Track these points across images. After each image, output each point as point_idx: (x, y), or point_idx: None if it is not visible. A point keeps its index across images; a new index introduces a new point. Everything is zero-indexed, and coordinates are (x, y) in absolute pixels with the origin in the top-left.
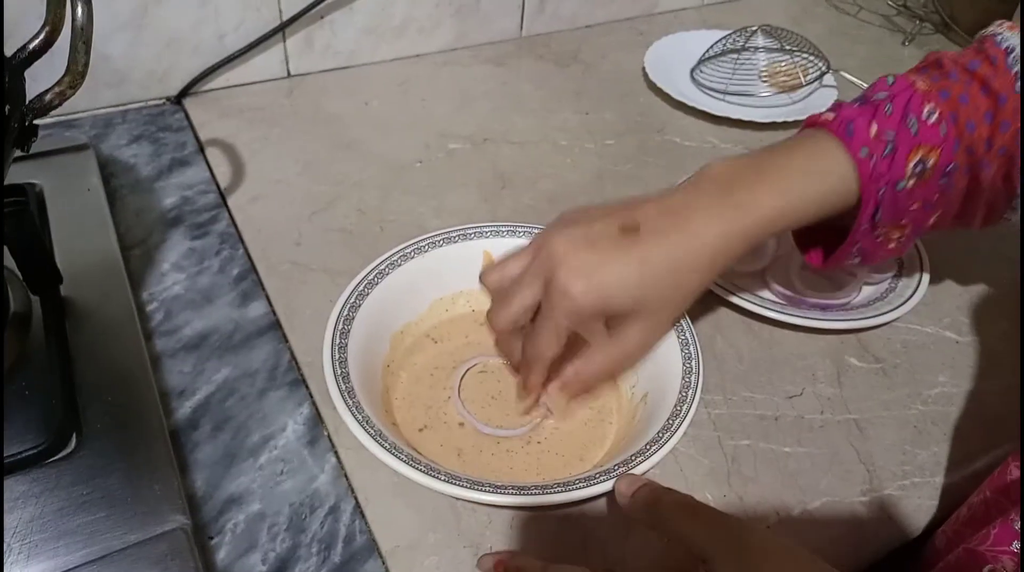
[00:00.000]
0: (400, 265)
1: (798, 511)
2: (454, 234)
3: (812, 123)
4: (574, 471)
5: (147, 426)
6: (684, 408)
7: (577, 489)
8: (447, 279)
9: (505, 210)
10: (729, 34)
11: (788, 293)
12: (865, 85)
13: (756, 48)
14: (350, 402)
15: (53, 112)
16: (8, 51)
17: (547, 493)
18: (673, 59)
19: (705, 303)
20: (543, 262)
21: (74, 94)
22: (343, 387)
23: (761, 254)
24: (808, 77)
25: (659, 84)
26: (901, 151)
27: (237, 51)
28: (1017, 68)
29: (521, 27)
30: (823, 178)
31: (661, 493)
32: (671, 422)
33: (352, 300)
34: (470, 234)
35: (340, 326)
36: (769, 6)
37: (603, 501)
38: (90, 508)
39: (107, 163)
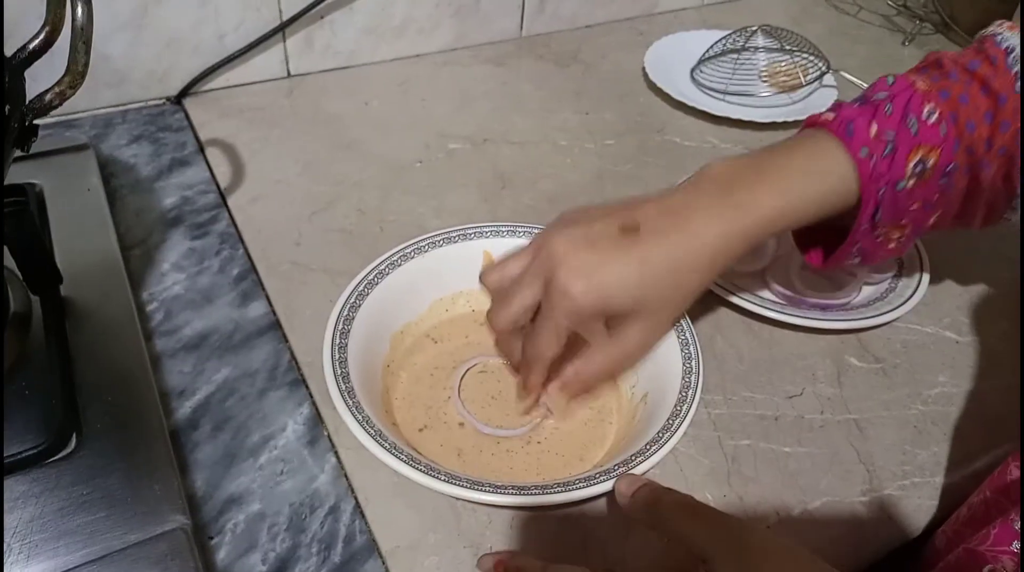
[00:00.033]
0: (400, 265)
1: (798, 511)
2: (454, 234)
3: (812, 123)
4: (574, 471)
5: (147, 426)
6: (684, 408)
7: (577, 489)
8: (447, 279)
9: (505, 210)
10: (729, 34)
11: (788, 293)
12: (865, 85)
13: (756, 48)
14: (350, 402)
15: (53, 112)
16: (8, 51)
17: (547, 493)
18: (673, 59)
19: (705, 303)
20: (543, 262)
21: (74, 94)
22: (343, 387)
23: (761, 254)
24: (808, 77)
25: (659, 84)
26: (901, 151)
27: (237, 51)
28: (1017, 68)
29: (521, 27)
30: (823, 178)
31: (661, 493)
32: (671, 422)
33: (352, 300)
34: (470, 234)
35: (340, 326)
36: (769, 6)
37: (603, 501)
38: (90, 508)
39: (107, 163)
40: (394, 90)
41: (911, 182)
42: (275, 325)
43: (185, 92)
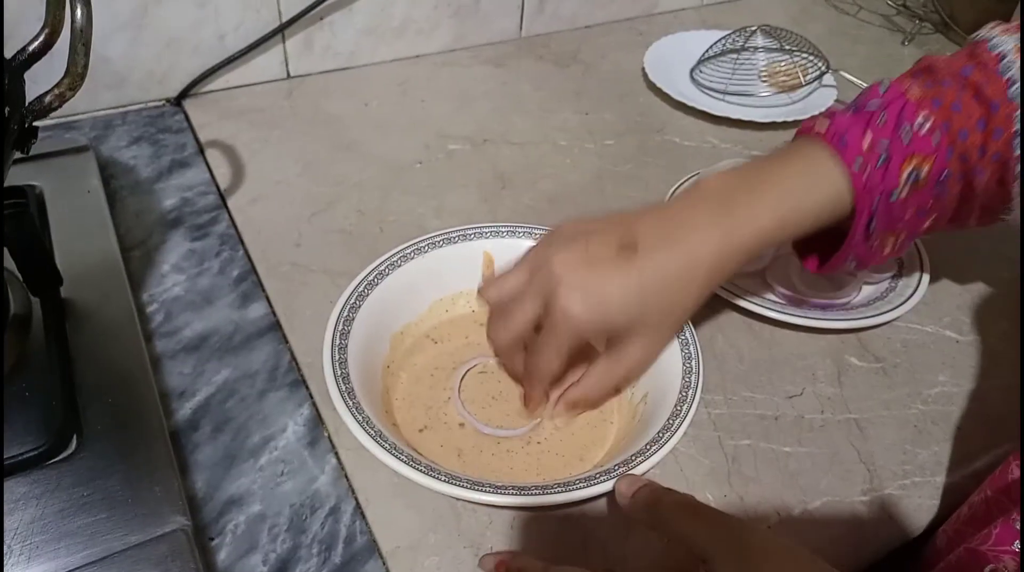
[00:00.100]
0: (400, 266)
1: (798, 511)
2: (454, 235)
3: (805, 131)
4: (574, 471)
5: (147, 427)
6: (684, 408)
7: (577, 489)
8: (447, 280)
9: (505, 210)
10: (729, 34)
11: (788, 293)
12: (865, 85)
13: (756, 48)
14: (350, 403)
15: (53, 114)
16: (8, 53)
17: (547, 493)
18: (673, 59)
19: (705, 303)
20: (542, 281)
21: (74, 96)
22: (343, 388)
23: (761, 254)
24: (808, 77)
25: (659, 84)
26: (895, 161)
27: (237, 52)
28: (1009, 74)
29: (520, 27)
30: (817, 191)
31: (661, 493)
32: (671, 422)
33: (352, 301)
34: (470, 235)
35: (340, 327)
36: (769, 6)
37: (603, 501)
38: (91, 509)
39: (107, 165)
40: (394, 91)
41: (905, 191)
42: (275, 326)
43: (185, 93)
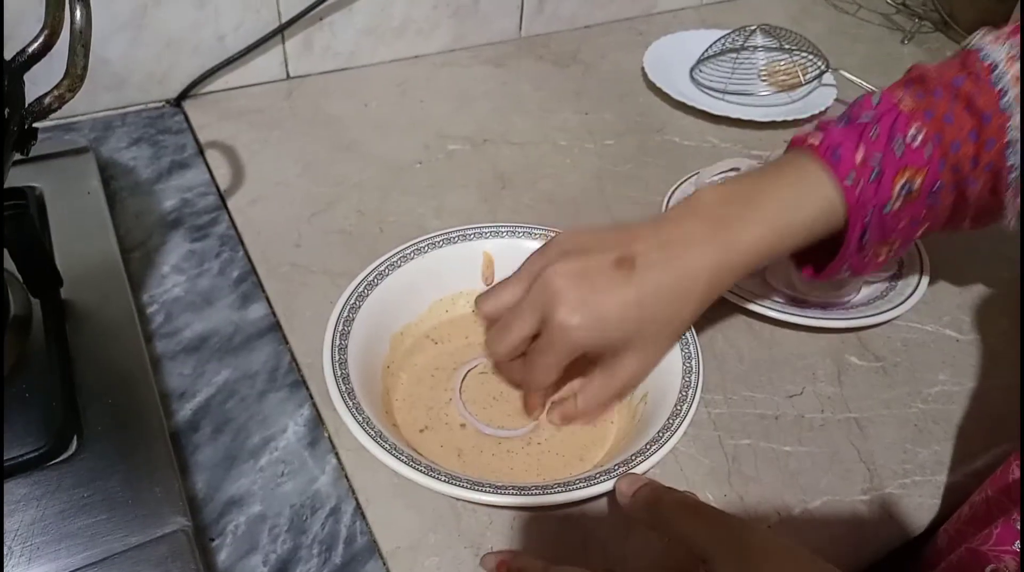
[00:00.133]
0: (400, 266)
1: (799, 510)
2: (454, 235)
3: (798, 144)
4: (574, 471)
5: (148, 428)
6: (684, 408)
7: (577, 489)
8: (447, 280)
9: (505, 210)
10: (728, 33)
11: (788, 292)
12: (865, 84)
13: (755, 47)
14: (350, 403)
15: (52, 115)
16: (7, 54)
17: (547, 493)
18: (672, 59)
19: None
20: (539, 295)
21: (73, 97)
22: (343, 388)
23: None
24: (807, 76)
25: (658, 84)
26: (887, 174)
27: (236, 53)
28: (1001, 85)
29: (520, 28)
30: (811, 206)
31: (662, 492)
32: (671, 422)
33: (352, 301)
34: (470, 235)
35: (340, 327)
36: (768, 5)
37: (604, 501)
38: (91, 510)
39: (107, 166)
40: (393, 91)
41: (898, 204)
42: (275, 327)
43: (184, 94)
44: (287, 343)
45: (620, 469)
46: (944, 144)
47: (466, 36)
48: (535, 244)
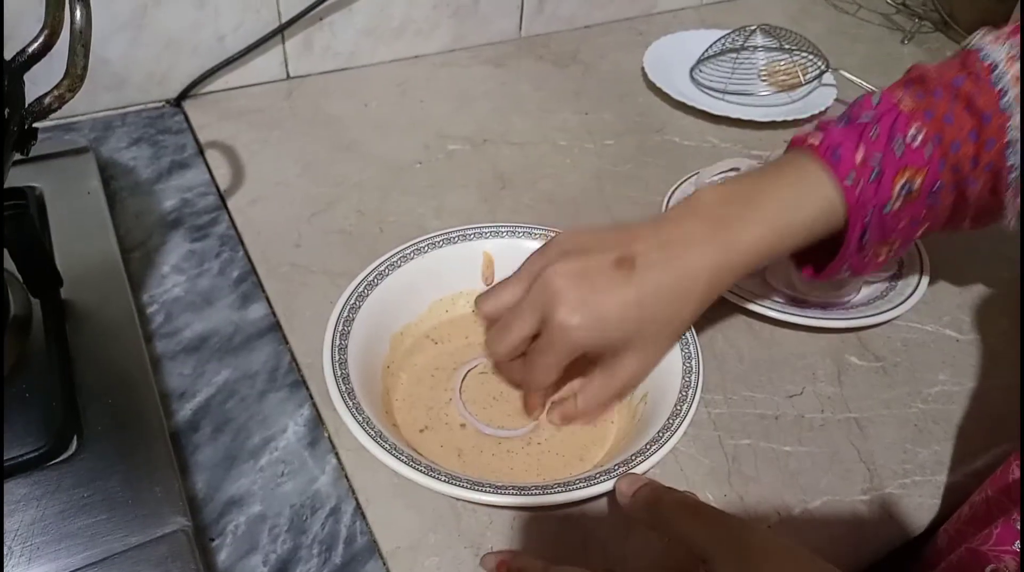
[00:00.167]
0: (400, 266)
1: (799, 510)
2: (454, 235)
3: (798, 144)
4: (574, 471)
5: (148, 428)
6: (684, 407)
7: (577, 489)
8: (447, 280)
9: (505, 210)
10: (728, 33)
11: (788, 292)
12: (865, 84)
13: (755, 47)
14: (350, 403)
15: (52, 115)
16: (7, 54)
17: (547, 493)
18: (672, 59)
19: None
20: (539, 295)
21: (73, 97)
22: (343, 388)
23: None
24: (807, 76)
25: (658, 84)
26: (887, 174)
27: (236, 53)
28: (1001, 85)
29: (520, 28)
30: (811, 206)
31: (662, 493)
32: (671, 421)
33: (352, 301)
34: (470, 235)
35: (340, 327)
36: (768, 5)
37: (603, 501)
38: (91, 510)
39: (107, 166)
40: (393, 91)
41: (898, 204)
42: (275, 327)
43: (184, 94)
44: (287, 343)
45: (620, 469)
46: (944, 144)
47: (466, 36)
48: (535, 244)
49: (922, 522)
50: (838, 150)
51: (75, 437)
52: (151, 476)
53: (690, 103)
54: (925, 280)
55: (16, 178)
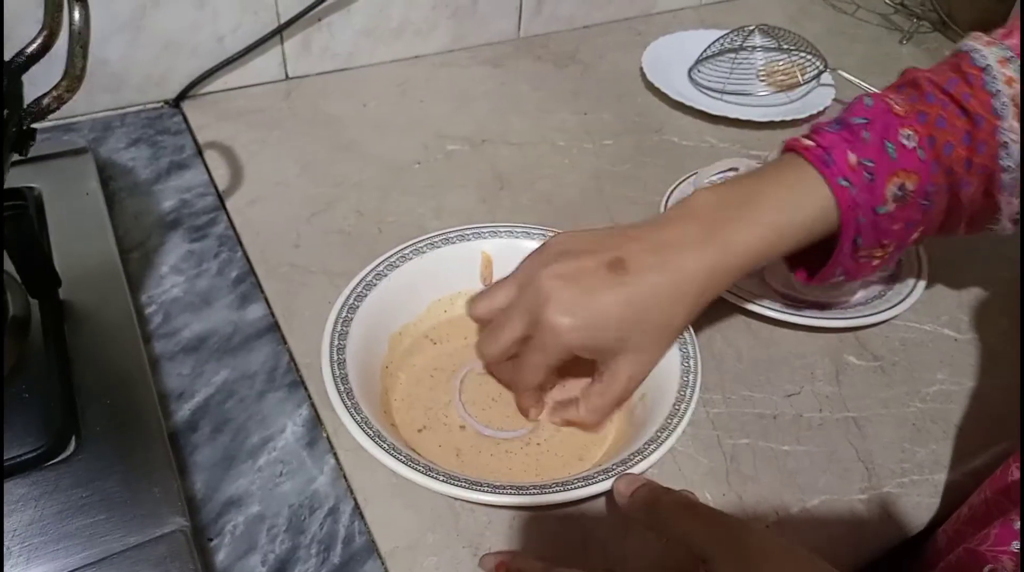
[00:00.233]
0: (398, 266)
1: (797, 509)
2: (452, 235)
3: (792, 148)
4: (573, 471)
5: (146, 428)
6: (683, 407)
7: (576, 488)
8: (445, 280)
9: (503, 211)
10: (726, 34)
11: (786, 292)
12: (863, 84)
13: (754, 47)
14: (349, 403)
15: (51, 116)
16: (6, 55)
17: (546, 493)
18: (671, 59)
19: None
20: (530, 297)
21: (72, 98)
22: (342, 388)
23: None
24: (806, 76)
25: (657, 84)
26: (880, 178)
27: (235, 54)
28: (993, 88)
29: (519, 28)
30: (805, 209)
31: (660, 493)
32: (670, 421)
33: (350, 301)
34: (468, 235)
35: (338, 328)
36: (766, 5)
37: (602, 501)
38: (89, 511)
39: (105, 166)
40: (392, 91)
41: (891, 207)
42: (274, 327)
43: (183, 95)
44: (286, 343)
45: (619, 469)
46: (937, 147)
47: (465, 37)
48: (533, 244)
49: (920, 521)
50: (830, 153)
51: (73, 437)
52: (149, 476)
53: (689, 103)
54: (923, 280)
55: (15, 179)
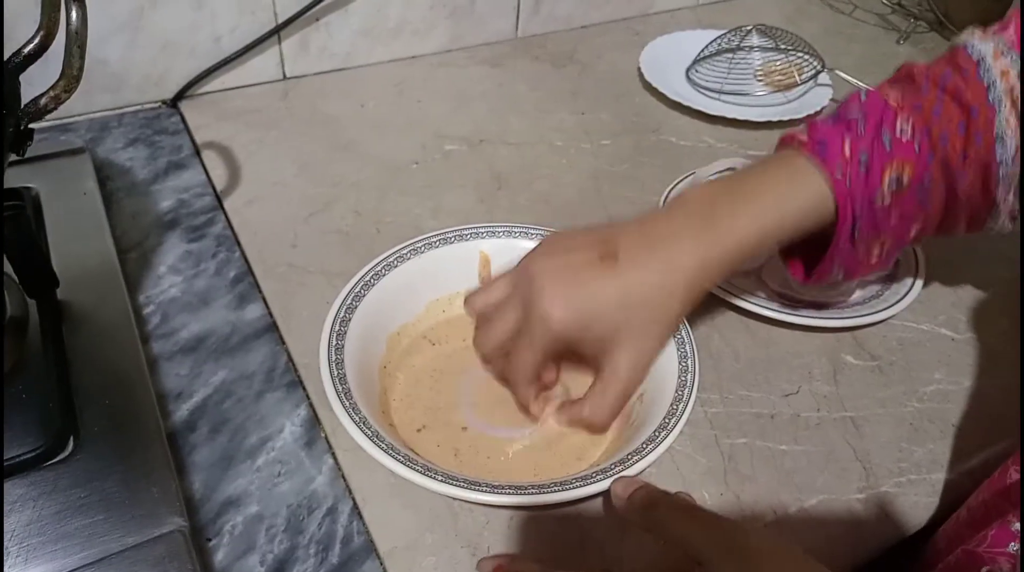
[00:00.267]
0: (397, 266)
1: (795, 509)
2: (450, 235)
3: (786, 142)
4: (571, 471)
5: (144, 429)
6: (681, 407)
7: (574, 488)
8: (444, 280)
9: (501, 211)
10: (724, 33)
11: (784, 292)
12: (860, 84)
13: (751, 47)
14: (347, 403)
15: (49, 116)
16: (4, 55)
17: (544, 493)
18: (669, 59)
19: (701, 302)
20: (523, 289)
21: (69, 98)
22: (340, 388)
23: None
24: (803, 76)
25: (655, 84)
26: (876, 167)
27: (233, 54)
28: (987, 79)
29: (517, 28)
30: (799, 199)
31: (657, 496)
32: (667, 421)
33: (349, 301)
34: (467, 235)
35: (337, 328)
36: (764, 5)
37: (600, 501)
38: (88, 511)
39: (103, 166)
40: (390, 91)
41: (888, 197)
42: (272, 327)
43: (181, 95)
44: (284, 343)
45: (617, 468)
46: (933, 137)
47: (463, 37)
48: (531, 244)
49: (918, 521)
50: (826, 145)
51: (72, 438)
52: (148, 476)
53: (686, 103)
54: (921, 280)
55: (12, 179)
